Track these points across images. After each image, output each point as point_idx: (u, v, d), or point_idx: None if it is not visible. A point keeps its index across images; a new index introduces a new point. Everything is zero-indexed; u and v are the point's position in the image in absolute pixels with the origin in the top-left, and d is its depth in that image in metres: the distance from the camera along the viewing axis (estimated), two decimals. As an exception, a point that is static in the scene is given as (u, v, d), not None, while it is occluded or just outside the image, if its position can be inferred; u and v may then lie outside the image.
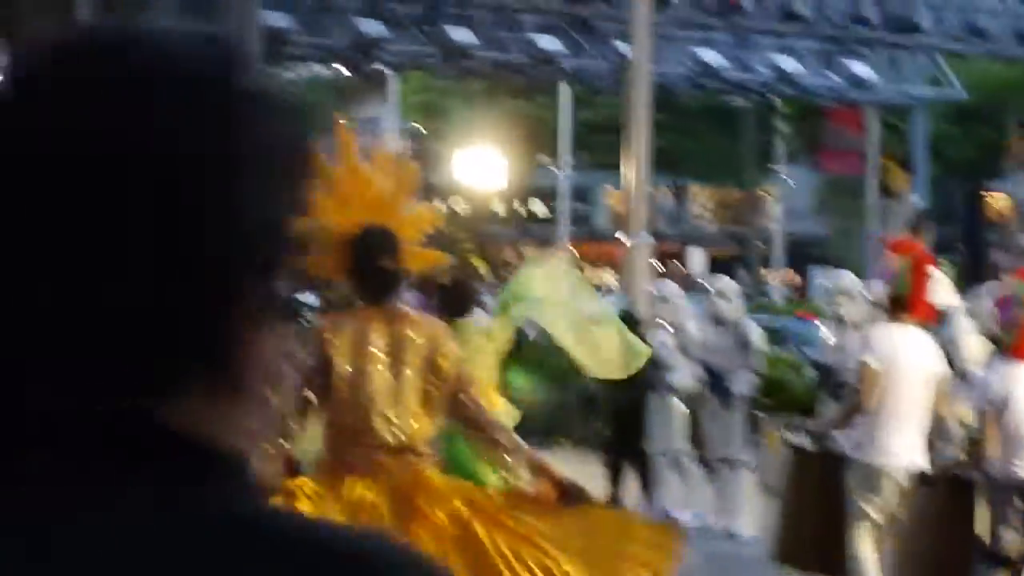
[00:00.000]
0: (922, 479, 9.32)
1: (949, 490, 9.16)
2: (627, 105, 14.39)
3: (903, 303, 9.53)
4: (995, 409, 8.91)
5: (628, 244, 14.49)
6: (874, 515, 9.36)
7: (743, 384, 13.17)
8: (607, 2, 22.29)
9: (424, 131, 41.30)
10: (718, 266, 38.84)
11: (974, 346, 10.82)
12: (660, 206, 62.35)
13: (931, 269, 10.12)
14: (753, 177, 41.33)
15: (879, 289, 11.57)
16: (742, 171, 41.73)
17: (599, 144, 40.44)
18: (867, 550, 9.40)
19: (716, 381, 13.19)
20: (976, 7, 23.80)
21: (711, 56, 25.18)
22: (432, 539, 5.78)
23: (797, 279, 43.47)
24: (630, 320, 14.34)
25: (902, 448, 9.36)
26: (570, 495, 6.24)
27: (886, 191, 15.27)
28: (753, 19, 23.52)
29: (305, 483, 6.08)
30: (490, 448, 6.34)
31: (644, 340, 13.42)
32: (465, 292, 9.65)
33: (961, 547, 8.98)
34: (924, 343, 9.58)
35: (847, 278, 12.77)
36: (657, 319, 14.09)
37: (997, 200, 43.12)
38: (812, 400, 13.08)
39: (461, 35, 23.15)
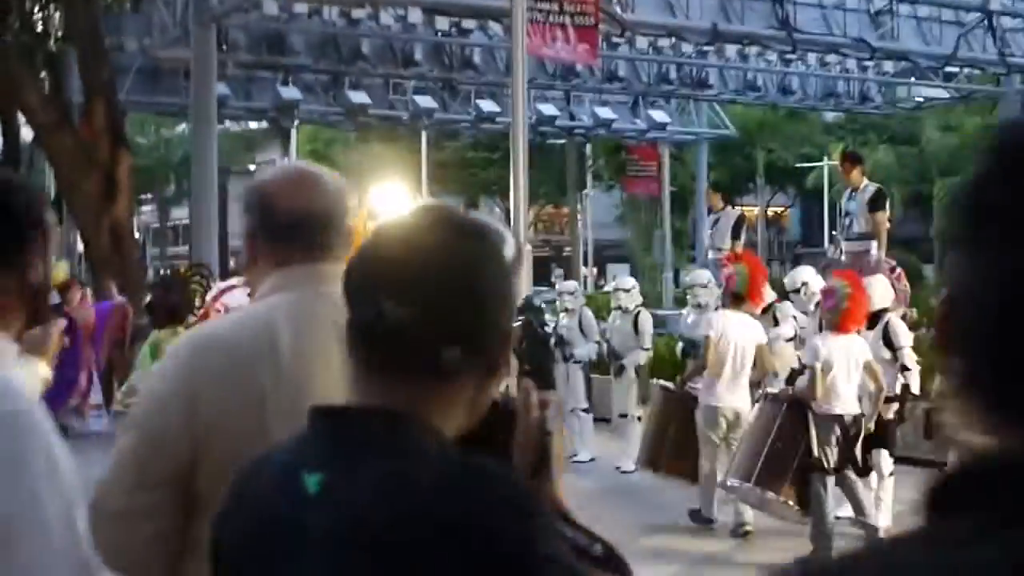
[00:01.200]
0: (769, 396, 9.78)
1: (790, 409, 9.36)
2: (513, 145, 13.95)
3: (742, 297, 10.29)
4: (822, 367, 9.12)
5: None
6: (714, 439, 10.14)
7: (636, 358, 13.25)
8: (473, 68, 23.09)
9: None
10: (537, 264, 40.19)
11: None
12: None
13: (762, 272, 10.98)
14: (569, 197, 43.00)
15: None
16: (561, 193, 43.54)
17: (450, 177, 42.54)
18: (710, 462, 10.15)
19: (614, 356, 13.37)
20: (750, 67, 25.07)
21: (548, 108, 26.06)
22: None
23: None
24: (532, 307, 15.61)
25: (731, 394, 10.16)
26: None
27: (709, 209, 16.69)
28: (585, 79, 24.63)
29: None
30: None
31: (544, 324, 14.83)
32: None
33: (794, 453, 9.22)
34: (750, 323, 10.26)
35: (703, 274, 13.07)
36: (565, 307, 14.26)
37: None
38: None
39: (359, 97, 24.05)
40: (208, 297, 8.46)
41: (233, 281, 9.78)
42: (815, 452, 9.13)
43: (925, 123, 60.23)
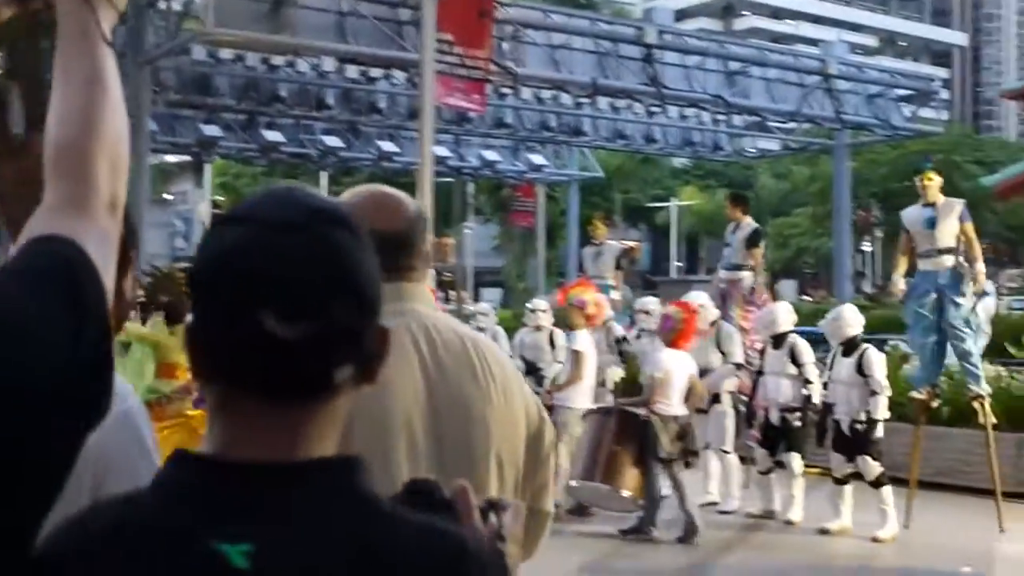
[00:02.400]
0: (599, 410, 10.16)
1: (621, 417, 9.74)
2: (418, 180, 13.76)
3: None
4: (662, 376, 9.77)
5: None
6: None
7: (551, 372, 12.89)
8: (378, 112, 22.95)
9: (222, 201, 41.81)
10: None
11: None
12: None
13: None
14: (452, 229, 43.03)
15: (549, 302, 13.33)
16: (445, 225, 43.58)
17: (346, 208, 42.19)
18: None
19: (531, 370, 12.94)
20: (621, 117, 25.33)
21: (440, 150, 25.94)
22: None
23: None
24: None
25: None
26: None
27: (591, 241, 16.52)
28: (475, 125, 24.63)
29: None
30: None
31: None
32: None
33: (633, 452, 9.55)
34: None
35: (650, 302, 12.94)
36: (478, 326, 13.91)
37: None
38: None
39: (273, 136, 23.89)
40: None
41: None
42: (659, 447, 9.59)
43: (759, 171, 61.79)
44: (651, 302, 13.02)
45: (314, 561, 1.17)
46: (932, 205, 10.23)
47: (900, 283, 10.59)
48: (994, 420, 10.32)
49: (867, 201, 62.27)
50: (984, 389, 10.17)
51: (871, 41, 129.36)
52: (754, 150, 30.01)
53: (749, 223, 13.30)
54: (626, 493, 9.40)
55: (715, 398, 11.28)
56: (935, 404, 10.65)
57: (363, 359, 1.28)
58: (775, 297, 15.04)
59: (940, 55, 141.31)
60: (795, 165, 62.67)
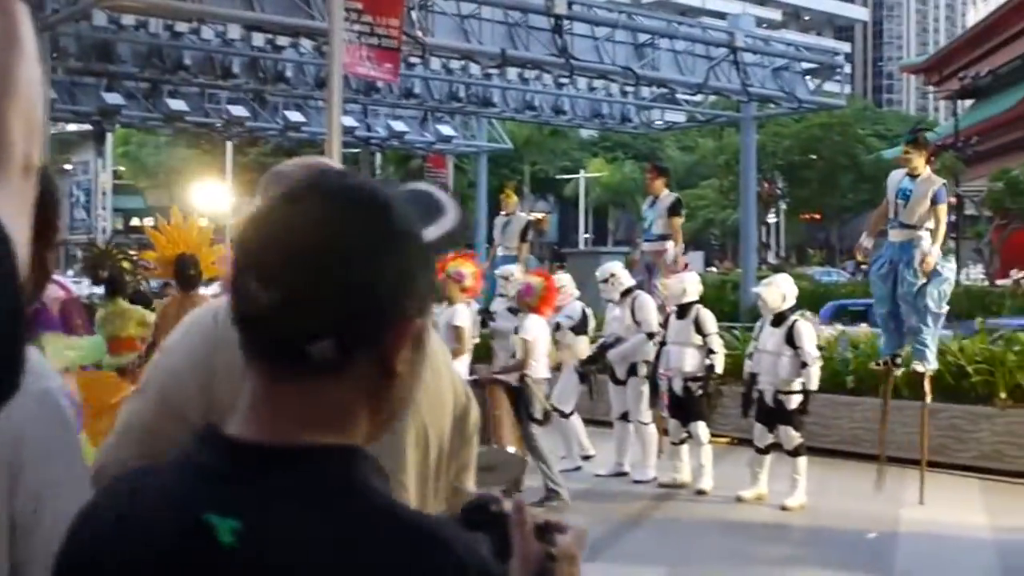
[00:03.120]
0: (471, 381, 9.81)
1: (495, 384, 9.78)
2: (326, 150, 13.39)
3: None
4: (532, 340, 10.12)
5: None
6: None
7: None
8: (285, 81, 22.69)
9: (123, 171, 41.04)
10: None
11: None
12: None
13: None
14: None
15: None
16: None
17: (252, 179, 41.61)
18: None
19: None
20: (530, 88, 25.31)
21: (348, 120, 25.70)
22: None
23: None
24: None
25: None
26: None
27: (504, 211, 16.48)
28: (383, 95, 24.45)
29: None
30: None
31: None
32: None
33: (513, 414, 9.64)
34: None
35: (511, 269, 12.95)
36: None
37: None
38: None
39: (177, 104, 23.51)
40: None
41: None
42: (534, 410, 9.90)
43: (665, 143, 62.23)
44: (511, 269, 13.05)
45: (297, 549, 1.17)
46: (915, 177, 10.08)
47: (866, 243, 10.47)
48: (930, 399, 10.34)
49: (771, 173, 63.15)
50: (927, 368, 10.07)
51: (776, 15, 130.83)
52: (662, 122, 30.21)
53: (669, 194, 13.33)
54: (512, 449, 9.36)
55: (631, 369, 11.32)
56: (897, 374, 10.59)
57: (361, 345, 1.26)
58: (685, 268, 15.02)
59: (843, 30, 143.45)
60: (701, 138, 63.28)
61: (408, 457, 2.32)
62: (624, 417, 11.42)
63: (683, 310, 10.83)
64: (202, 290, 10.25)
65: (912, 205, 9.92)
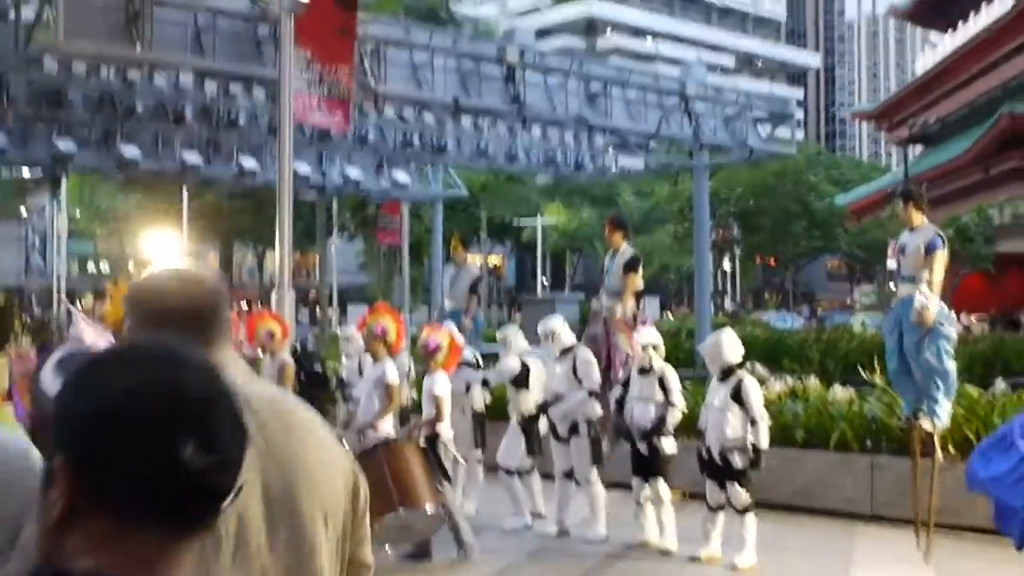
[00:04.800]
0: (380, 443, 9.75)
1: (403, 443, 9.58)
2: (279, 198, 13.67)
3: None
4: (443, 397, 10.23)
5: (277, 296, 13.41)
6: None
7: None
8: (238, 128, 22.46)
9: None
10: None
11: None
12: (246, 266, 62.74)
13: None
14: (315, 246, 42.62)
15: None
16: (309, 242, 43.12)
17: (207, 224, 41.33)
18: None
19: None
20: (484, 137, 25.12)
21: (302, 167, 25.53)
22: None
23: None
24: (306, 351, 15.23)
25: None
26: None
27: (454, 261, 16.25)
28: (337, 143, 24.25)
29: None
30: None
31: (323, 367, 14.50)
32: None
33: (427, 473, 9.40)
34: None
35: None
36: (344, 352, 14.00)
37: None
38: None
39: (130, 151, 23.21)
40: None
41: None
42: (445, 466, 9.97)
43: (621, 188, 62.42)
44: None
45: None
46: (914, 229, 9.84)
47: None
48: (941, 458, 10.02)
49: (726, 220, 63.47)
50: (936, 426, 9.78)
51: (729, 61, 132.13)
52: (616, 169, 30.16)
53: (627, 248, 12.89)
54: (430, 508, 9.17)
55: (573, 427, 11.08)
56: (926, 427, 10.42)
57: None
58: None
59: (796, 76, 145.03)
60: (657, 184, 63.55)
61: (318, 541, 2.35)
62: (568, 475, 11.18)
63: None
64: None
65: (909, 257, 9.78)
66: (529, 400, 11.58)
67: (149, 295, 2.38)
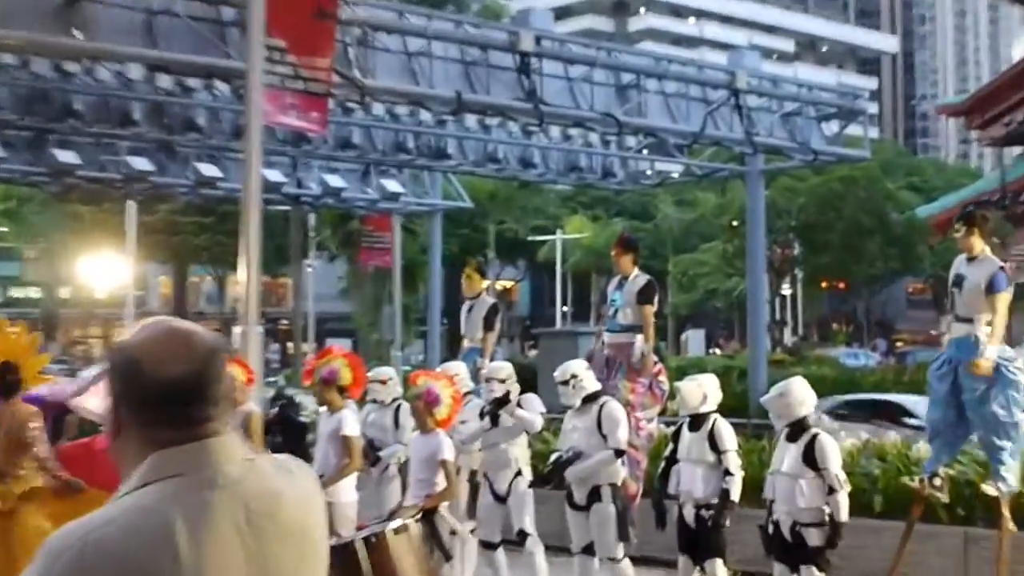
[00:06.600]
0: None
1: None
2: (244, 211, 13.36)
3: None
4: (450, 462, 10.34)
5: (241, 330, 13.02)
6: None
7: (393, 454, 12.52)
8: (196, 130, 22.60)
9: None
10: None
11: None
12: (205, 291, 62.90)
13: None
14: (290, 268, 42.75)
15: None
16: (281, 263, 43.16)
17: (158, 243, 41.52)
18: None
19: (372, 449, 12.33)
20: (493, 139, 25.17)
21: (274, 174, 25.67)
22: None
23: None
24: (284, 397, 15.29)
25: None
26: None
27: (467, 294, 16.09)
28: (316, 146, 24.35)
29: None
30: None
31: (298, 414, 14.58)
32: None
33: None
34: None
35: (385, 371, 13.20)
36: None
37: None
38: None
39: (66, 156, 23.29)
40: None
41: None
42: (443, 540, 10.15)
43: (658, 198, 62.47)
44: (386, 371, 13.09)
45: None
46: (974, 259, 9.90)
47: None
48: (1013, 527, 10.02)
49: (785, 236, 63.49)
50: (1004, 490, 9.84)
51: (787, 46, 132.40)
52: (651, 175, 30.25)
53: (640, 275, 12.81)
54: None
55: (594, 493, 10.99)
56: (940, 496, 10.41)
57: None
58: (679, 351, 14.90)
59: (867, 62, 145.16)
60: (702, 192, 63.59)
61: None
62: (587, 550, 11.09)
63: (697, 420, 10.59)
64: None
65: (967, 294, 9.79)
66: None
67: (141, 364, 2.39)
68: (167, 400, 2.36)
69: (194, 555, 2.24)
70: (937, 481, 10.16)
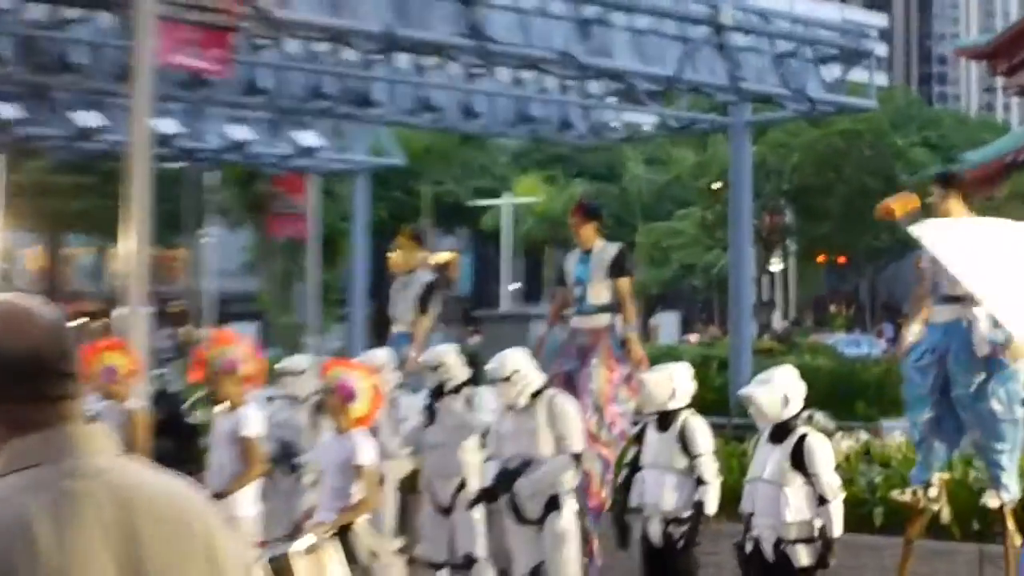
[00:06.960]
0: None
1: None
2: (130, 169, 13.11)
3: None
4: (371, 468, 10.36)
5: (126, 312, 12.78)
6: None
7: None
8: (73, 71, 22.53)
9: None
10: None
11: None
12: (81, 266, 62.51)
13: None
14: (184, 237, 42.55)
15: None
16: (170, 233, 42.93)
17: (28, 207, 41.29)
18: None
19: (288, 454, 12.49)
20: (429, 82, 25.10)
21: (166, 124, 25.56)
22: None
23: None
24: (167, 395, 15.29)
25: None
26: None
27: (403, 268, 15.89)
28: (217, 91, 24.27)
29: None
30: None
31: (185, 412, 14.60)
32: None
33: None
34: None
35: (299, 360, 13.46)
36: None
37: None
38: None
39: (-87, 102, 23.35)
40: None
41: None
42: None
43: (626, 156, 62.53)
44: (300, 361, 13.31)
45: None
46: None
47: (909, 337, 10.46)
48: (1019, 542, 10.21)
49: (776, 202, 63.78)
50: (1005, 499, 10.03)
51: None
52: (618, 127, 30.32)
53: (607, 244, 12.90)
54: None
55: (551, 502, 11.04)
56: (933, 508, 10.61)
57: None
58: (650, 337, 15.07)
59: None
60: (677, 148, 63.71)
61: None
62: (535, 573, 11.15)
63: (665, 419, 10.63)
64: None
65: None
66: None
67: None
68: (16, 378, 2.50)
69: (55, 548, 2.37)
70: (932, 491, 10.26)
